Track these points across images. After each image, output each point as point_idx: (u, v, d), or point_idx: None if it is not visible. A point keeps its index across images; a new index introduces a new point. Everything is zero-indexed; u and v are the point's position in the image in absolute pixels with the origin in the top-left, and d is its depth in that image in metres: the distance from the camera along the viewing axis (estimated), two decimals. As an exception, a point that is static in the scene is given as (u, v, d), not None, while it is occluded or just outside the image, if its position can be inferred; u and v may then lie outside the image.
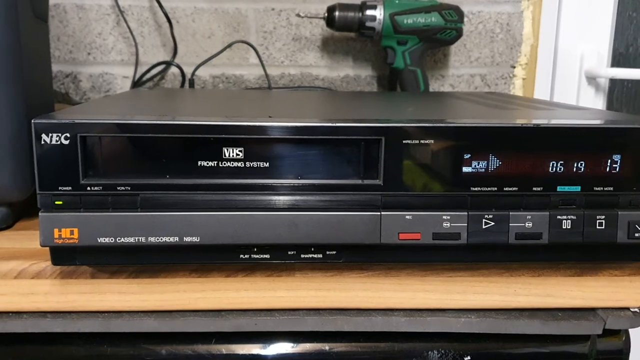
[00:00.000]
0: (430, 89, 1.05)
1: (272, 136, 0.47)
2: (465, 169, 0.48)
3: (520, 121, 0.49)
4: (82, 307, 0.51)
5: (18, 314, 0.51)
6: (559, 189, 0.49)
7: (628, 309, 0.54)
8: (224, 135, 0.47)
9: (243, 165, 0.48)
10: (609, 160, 0.49)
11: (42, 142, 0.45)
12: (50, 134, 0.45)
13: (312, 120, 0.48)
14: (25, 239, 0.57)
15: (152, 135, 0.46)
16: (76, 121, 0.45)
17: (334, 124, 0.47)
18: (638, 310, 0.54)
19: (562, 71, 1.10)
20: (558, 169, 0.49)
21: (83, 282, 0.51)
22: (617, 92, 1.18)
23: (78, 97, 1.07)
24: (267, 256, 0.50)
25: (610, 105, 1.16)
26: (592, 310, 0.54)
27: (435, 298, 0.53)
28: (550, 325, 0.53)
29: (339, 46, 1.07)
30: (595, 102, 1.11)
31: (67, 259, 0.49)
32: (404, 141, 0.47)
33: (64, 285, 0.51)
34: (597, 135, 0.49)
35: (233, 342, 0.53)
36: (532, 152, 0.48)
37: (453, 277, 0.53)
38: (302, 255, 0.50)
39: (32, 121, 0.45)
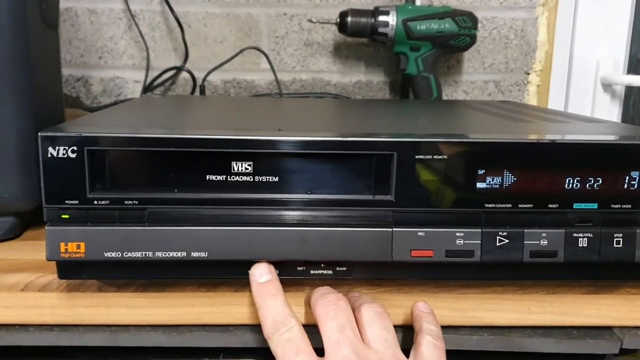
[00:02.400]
0: (443, 95, 1.04)
1: (281, 150, 0.46)
2: (479, 185, 0.47)
3: (536, 136, 0.48)
4: (88, 320, 0.51)
5: (24, 327, 0.51)
6: (575, 206, 0.48)
7: (645, 328, 0.53)
8: (232, 150, 0.46)
9: (252, 179, 0.47)
10: (627, 177, 0.48)
11: (49, 155, 0.44)
12: (57, 147, 0.44)
13: (323, 134, 0.47)
14: (33, 249, 0.56)
15: (160, 149, 0.45)
16: (83, 134, 0.44)
17: (345, 139, 0.46)
18: (656, 330, 0.53)
19: (577, 78, 1.08)
20: (574, 186, 0.48)
21: (90, 295, 0.51)
22: (634, 99, 1.16)
23: (89, 102, 1.07)
24: (276, 272, 0.49)
25: (626, 112, 1.14)
26: (609, 329, 0.53)
27: (448, 315, 0.52)
28: (565, 344, 0.52)
29: (351, 51, 1.06)
30: (610, 109, 1.09)
31: (74, 273, 0.49)
32: (416, 156, 0.46)
33: (71, 299, 0.51)
34: (616, 151, 0.47)
35: (241, 358, 0.53)
36: (548, 168, 0.47)
37: (466, 293, 0.52)
38: (312, 271, 0.49)
39: (39, 134, 0.44)
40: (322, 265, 0.50)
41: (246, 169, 0.47)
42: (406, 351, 0.45)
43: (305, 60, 1.06)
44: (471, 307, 0.52)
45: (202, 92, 1.01)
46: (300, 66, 1.06)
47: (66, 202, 0.45)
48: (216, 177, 0.47)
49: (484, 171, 0.47)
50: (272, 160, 0.47)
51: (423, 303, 0.49)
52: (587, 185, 0.48)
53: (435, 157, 0.46)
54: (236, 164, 0.47)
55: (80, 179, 0.45)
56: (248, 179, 0.47)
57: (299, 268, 0.49)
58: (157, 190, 0.47)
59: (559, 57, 1.07)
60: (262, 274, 0.47)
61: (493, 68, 1.07)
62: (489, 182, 0.47)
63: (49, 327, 0.51)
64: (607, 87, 1.08)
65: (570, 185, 0.48)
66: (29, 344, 0.51)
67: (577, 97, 1.09)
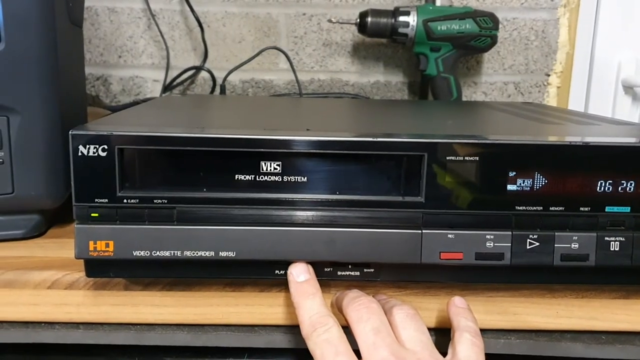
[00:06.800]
0: (463, 97, 1.03)
1: (311, 150, 0.46)
2: (510, 187, 0.47)
3: (568, 138, 0.47)
4: (114, 319, 0.51)
5: (50, 324, 0.51)
6: (607, 209, 0.47)
7: (675, 333, 0.52)
8: (262, 149, 0.46)
9: (281, 179, 0.47)
10: (661, 181, 0.47)
11: (79, 154, 0.44)
12: (87, 146, 0.44)
13: (353, 134, 0.46)
14: (59, 247, 0.57)
15: (190, 148, 0.45)
16: (114, 133, 0.44)
17: (376, 139, 0.46)
18: (686, 335, 0.52)
19: (598, 80, 1.07)
20: (607, 189, 0.47)
21: (116, 293, 0.51)
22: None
23: (108, 100, 1.07)
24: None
25: (647, 115, 1.13)
26: (638, 334, 0.52)
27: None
28: (594, 349, 0.51)
29: (369, 52, 1.06)
30: (631, 112, 1.08)
31: (102, 271, 0.49)
32: (447, 157, 0.46)
33: (97, 297, 0.51)
34: (650, 154, 0.47)
35: (266, 358, 0.52)
36: (579, 171, 0.47)
37: (493, 297, 0.52)
38: (339, 273, 0.49)
39: (70, 132, 0.44)
40: (350, 266, 0.49)
41: (275, 168, 0.47)
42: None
43: (324, 61, 1.06)
44: (498, 309, 0.51)
45: (223, 91, 1.01)
46: (318, 66, 1.06)
47: (96, 200, 0.45)
48: (245, 177, 0.47)
49: (514, 173, 0.46)
50: (301, 161, 0.47)
51: (459, 298, 0.48)
52: (620, 189, 0.47)
53: (466, 158, 0.46)
54: (265, 163, 0.47)
55: (110, 178, 0.45)
56: (277, 179, 0.47)
57: (326, 269, 0.49)
58: (186, 189, 0.47)
59: (580, 58, 1.06)
60: (300, 273, 0.47)
61: (513, 69, 1.06)
62: (520, 184, 0.47)
63: (75, 325, 0.51)
64: (629, 89, 1.07)
65: (603, 188, 0.47)
66: (54, 341, 0.51)
67: (598, 99, 1.08)
